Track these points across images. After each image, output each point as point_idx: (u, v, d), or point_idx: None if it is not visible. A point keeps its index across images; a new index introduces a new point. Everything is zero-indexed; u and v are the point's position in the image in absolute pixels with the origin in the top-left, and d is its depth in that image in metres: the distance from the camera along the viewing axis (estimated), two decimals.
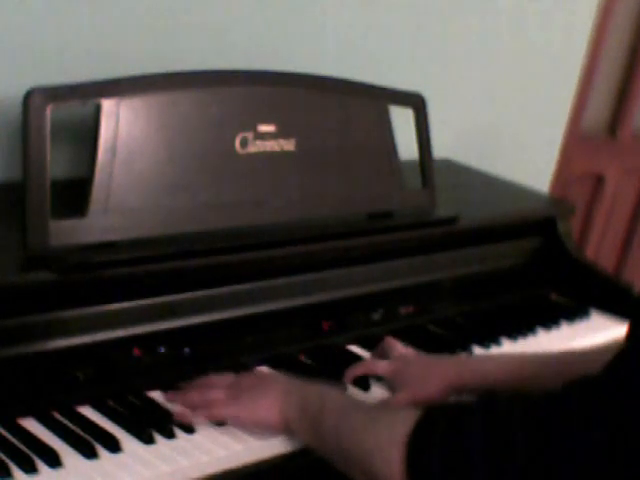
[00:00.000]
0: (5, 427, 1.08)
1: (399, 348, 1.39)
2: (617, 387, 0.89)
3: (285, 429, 1.14)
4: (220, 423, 1.16)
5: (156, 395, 1.21)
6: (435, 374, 1.28)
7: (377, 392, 1.32)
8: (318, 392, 1.14)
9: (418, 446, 0.96)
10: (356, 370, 1.34)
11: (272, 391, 1.16)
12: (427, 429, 0.97)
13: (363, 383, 1.33)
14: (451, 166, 2.06)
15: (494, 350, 1.51)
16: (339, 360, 1.39)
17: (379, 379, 1.34)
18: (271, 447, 1.15)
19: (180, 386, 1.22)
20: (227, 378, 1.22)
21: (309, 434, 1.11)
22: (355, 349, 1.45)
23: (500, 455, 0.92)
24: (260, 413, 1.14)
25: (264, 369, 1.32)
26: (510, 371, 1.25)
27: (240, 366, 1.30)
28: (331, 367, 1.36)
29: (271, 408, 1.14)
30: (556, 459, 0.90)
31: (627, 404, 0.88)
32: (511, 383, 1.22)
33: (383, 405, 1.14)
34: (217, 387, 1.19)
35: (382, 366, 1.34)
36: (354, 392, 1.31)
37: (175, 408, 1.17)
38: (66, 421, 1.11)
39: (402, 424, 0.98)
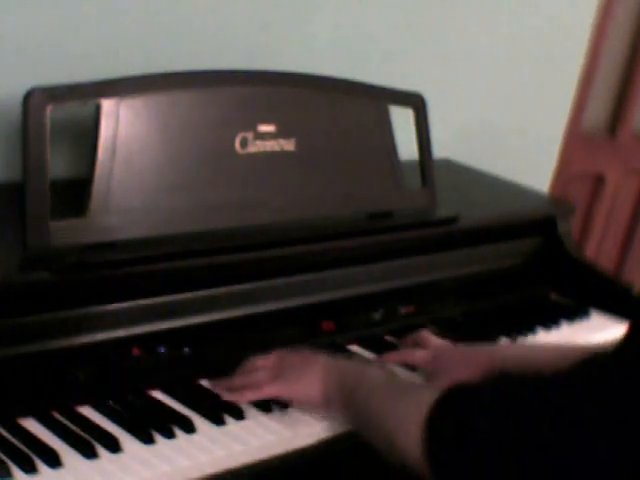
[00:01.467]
0: (5, 427, 1.08)
1: (434, 340, 1.40)
2: (626, 369, 0.90)
3: (326, 406, 1.17)
4: (219, 423, 1.16)
5: (156, 395, 1.21)
6: (470, 363, 1.30)
7: None
8: (357, 369, 1.18)
9: (436, 425, 0.98)
10: (393, 358, 1.37)
11: (314, 369, 1.19)
12: (444, 409, 0.99)
13: None
14: (451, 166, 2.06)
15: None
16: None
17: (413, 369, 1.36)
18: (271, 447, 1.15)
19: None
20: (270, 358, 1.25)
21: (345, 409, 1.14)
22: (355, 349, 1.45)
23: (512, 435, 0.93)
24: (303, 392, 1.18)
25: None
26: (546, 358, 1.26)
27: (240, 366, 1.30)
28: None
29: (313, 386, 1.17)
30: (566, 441, 0.90)
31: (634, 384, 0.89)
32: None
33: (413, 383, 1.16)
34: (261, 369, 1.22)
35: (419, 356, 1.36)
36: None
37: (223, 393, 1.20)
38: (66, 421, 1.11)
39: (425, 403, 1.01)
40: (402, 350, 1.41)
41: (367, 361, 1.23)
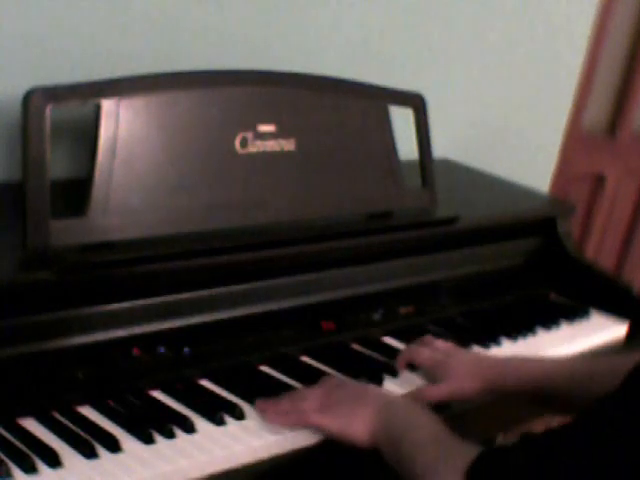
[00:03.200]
0: (5, 427, 1.08)
1: (439, 343, 1.40)
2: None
3: (371, 446, 1.14)
4: (219, 423, 1.16)
5: (156, 395, 1.21)
6: (476, 372, 1.30)
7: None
8: (406, 415, 1.15)
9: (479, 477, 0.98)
10: (402, 357, 1.37)
11: (364, 408, 1.16)
12: (489, 463, 0.99)
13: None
14: (451, 166, 2.06)
15: (494, 350, 1.51)
16: (342, 359, 1.39)
17: (413, 369, 1.37)
18: (271, 447, 1.15)
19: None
20: (321, 387, 1.22)
21: (388, 456, 1.12)
22: (357, 348, 1.45)
23: None
24: (351, 429, 1.15)
25: (265, 368, 1.32)
26: (558, 373, 1.27)
27: (240, 366, 1.30)
28: (334, 366, 1.36)
29: (362, 426, 1.14)
30: None
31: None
32: (555, 384, 1.25)
33: (457, 441, 1.12)
34: (309, 397, 1.19)
35: (424, 354, 1.36)
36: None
37: (269, 414, 1.18)
38: (66, 421, 1.11)
39: (464, 455, 1.01)
40: (409, 347, 1.40)
41: (416, 404, 1.20)
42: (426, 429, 1.11)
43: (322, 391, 1.21)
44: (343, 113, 1.50)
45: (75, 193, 1.24)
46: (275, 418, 1.17)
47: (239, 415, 1.18)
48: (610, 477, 0.91)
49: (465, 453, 1.02)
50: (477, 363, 1.33)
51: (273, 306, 1.39)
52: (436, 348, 1.38)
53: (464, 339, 1.51)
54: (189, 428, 1.13)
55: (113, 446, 1.07)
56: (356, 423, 1.15)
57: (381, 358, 1.42)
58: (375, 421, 1.14)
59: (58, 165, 1.35)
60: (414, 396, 1.29)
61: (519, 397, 1.30)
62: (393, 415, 1.15)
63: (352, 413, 1.16)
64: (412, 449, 1.08)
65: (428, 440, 1.09)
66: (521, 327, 1.61)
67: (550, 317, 1.68)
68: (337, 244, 1.46)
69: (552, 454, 0.96)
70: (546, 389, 1.26)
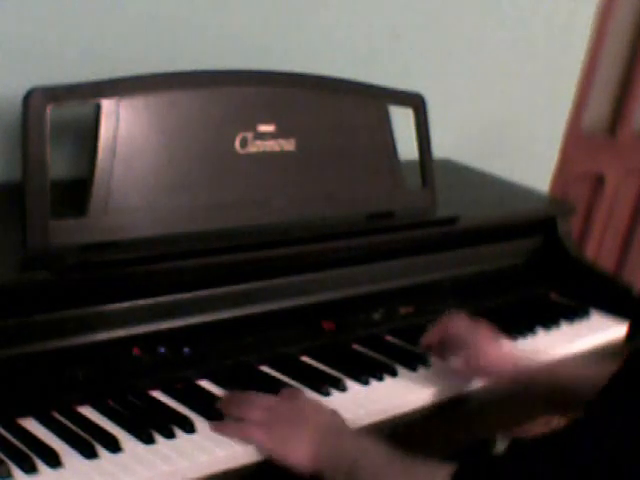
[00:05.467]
0: (5, 427, 1.07)
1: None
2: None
3: (312, 472, 1.10)
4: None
5: (156, 395, 1.21)
6: (507, 359, 1.33)
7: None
8: (353, 441, 1.11)
9: None
10: (433, 332, 1.40)
11: (306, 434, 1.11)
12: (476, 472, 0.98)
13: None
14: (451, 166, 2.06)
15: None
16: (343, 359, 1.39)
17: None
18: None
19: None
20: (267, 400, 1.17)
21: None
22: (357, 347, 1.45)
23: None
24: (291, 454, 1.10)
25: (265, 368, 1.32)
26: (571, 368, 1.30)
27: (240, 366, 1.30)
28: (334, 366, 1.36)
29: (302, 452, 1.10)
30: None
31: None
32: (570, 379, 1.27)
33: (415, 459, 1.09)
34: (255, 406, 1.15)
35: (460, 324, 1.38)
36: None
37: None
38: (66, 421, 1.11)
39: (436, 470, 1.00)
40: (441, 320, 1.42)
41: (361, 432, 1.18)
42: (383, 452, 1.08)
43: (271, 404, 1.16)
44: (343, 113, 1.50)
45: (75, 193, 1.24)
46: (214, 426, 1.14)
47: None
48: None
49: (436, 469, 1.01)
50: (509, 352, 1.36)
51: (273, 306, 1.39)
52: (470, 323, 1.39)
53: None
54: (189, 428, 1.13)
55: (113, 446, 1.07)
56: (295, 450, 1.10)
57: (381, 358, 1.42)
58: (319, 446, 1.10)
59: (58, 165, 1.35)
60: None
61: (537, 397, 1.32)
62: (342, 441, 1.11)
63: (292, 437, 1.11)
64: (373, 473, 1.05)
65: (390, 462, 1.05)
66: (521, 327, 1.61)
67: (550, 317, 1.68)
68: (337, 244, 1.46)
69: (539, 463, 0.95)
70: (570, 395, 1.26)
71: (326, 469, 1.09)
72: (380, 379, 1.35)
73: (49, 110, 1.17)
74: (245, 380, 1.28)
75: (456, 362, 1.37)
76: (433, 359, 1.42)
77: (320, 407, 1.19)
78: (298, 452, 1.10)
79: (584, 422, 0.96)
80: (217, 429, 1.14)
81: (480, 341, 1.36)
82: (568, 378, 1.27)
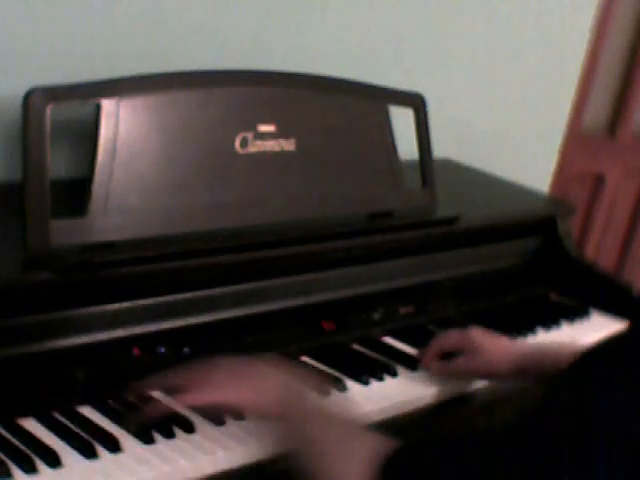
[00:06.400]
0: (5, 427, 1.08)
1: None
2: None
3: (277, 419, 1.10)
4: (220, 423, 1.16)
5: (156, 395, 1.21)
6: (508, 351, 1.35)
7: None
8: (312, 396, 1.13)
9: (391, 470, 0.95)
10: (430, 349, 1.41)
11: (271, 381, 1.13)
12: (402, 458, 0.97)
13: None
14: (451, 166, 2.06)
15: None
16: (343, 359, 1.39)
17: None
18: (270, 448, 1.15)
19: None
20: (226, 362, 1.17)
21: (290, 434, 1.09)
22: (357, 348, 1.45)
23: None
24: (259, 398, 1.11)
25: None
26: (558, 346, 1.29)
27: None
28: (334, 366, 1.36)
29: (272, 396, 1.10)
30: None
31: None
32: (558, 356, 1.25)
33: (355, 423, 1.11)
34: (215, 377, 1.15)
35: (452, 337, 1.40)
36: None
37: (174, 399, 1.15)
38: (66, 421, 1.11)
39: (371, 448, 0.98)
40: (435, 339, 1.43)
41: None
42: (334, 413, 1.10)
43: (224, 369, 1.15)
44: (343, 113, 1.50)
45: (75, 193, 1.24)
46: (188, 398, 1.12)
47: (239, 415, 1.18)
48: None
49: (373, 442, 1.00)
50: (509, 345, 1.37)
51: (273, 306, 1.39)
52: (464, 332, 1.40)
53: None
54: (189, 428, 1.13)
55: (113, 446, 1.07)
56: (266, 394, 1.10)
57: (381, 358, 1.42)
58: (284, 392, 1.11)
59: (58, 165, 1.35)
60: (445, 369, 1.36)
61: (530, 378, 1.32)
62: (302, 392, 1.12)
63: (263, 385, 1.12)
64: (317, 428, 1.05)
65: (335, 424, 1.07)
66: (521, 327, 1.61)
67: (550, 317, 1.68)
68: (337, 244, 1.46)
69: (467, 456, 0.93)
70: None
71: (288, 414, 1.09)
72: (380, 379, 1.35)
73: (49, 110, 1.17)
74: None
75: (457, 362, 1.36)
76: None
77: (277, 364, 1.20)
78: (270, 398, 1.10)
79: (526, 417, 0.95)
80: (190, 400, 1.12)
81: (478, 341, 1.37)
82: (556, 355, 1.28)
